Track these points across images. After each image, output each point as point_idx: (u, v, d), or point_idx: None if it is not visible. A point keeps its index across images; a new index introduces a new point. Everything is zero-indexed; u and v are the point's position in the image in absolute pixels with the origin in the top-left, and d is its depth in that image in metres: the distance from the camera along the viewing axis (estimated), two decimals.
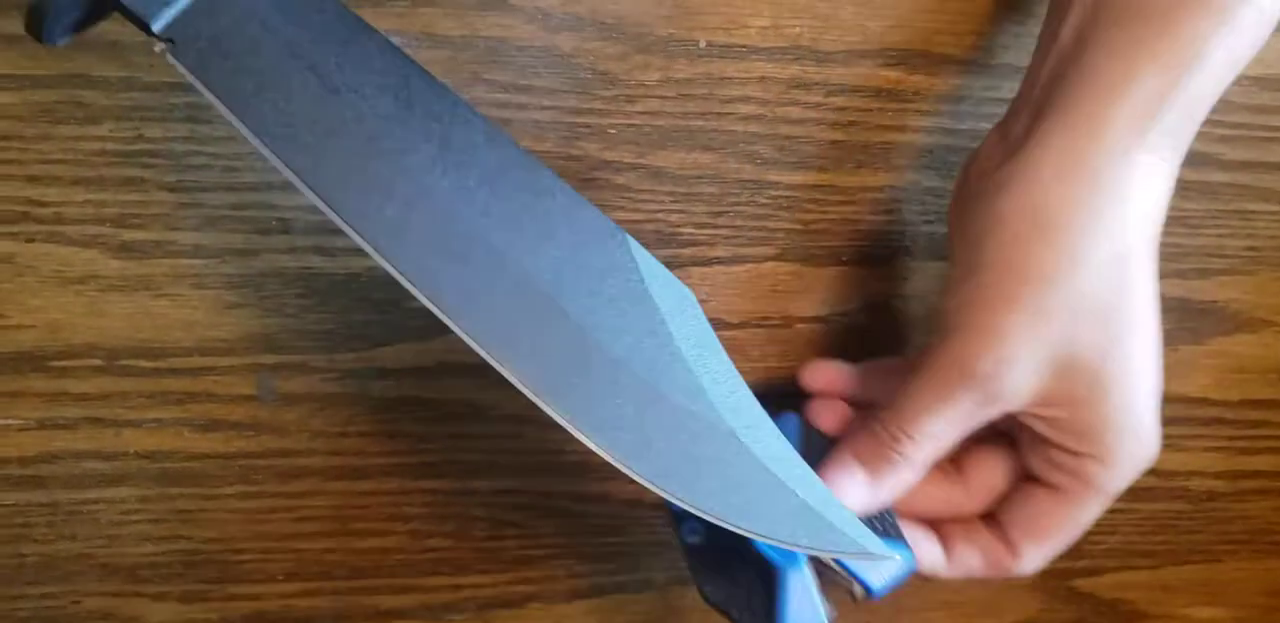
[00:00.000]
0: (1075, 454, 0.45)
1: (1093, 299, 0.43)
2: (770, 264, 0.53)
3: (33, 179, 0.46)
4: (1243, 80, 0.55)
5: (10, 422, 0.49)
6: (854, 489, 0.46)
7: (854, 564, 0.46)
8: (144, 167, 0.47)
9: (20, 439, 0.49)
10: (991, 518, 0.49)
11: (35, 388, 0.49)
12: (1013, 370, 0.43)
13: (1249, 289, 0.61)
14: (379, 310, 0.51)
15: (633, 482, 0.56)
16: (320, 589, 0.54)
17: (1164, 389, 0.60)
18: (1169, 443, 0.61)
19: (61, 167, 0.46)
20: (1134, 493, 0.61)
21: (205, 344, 0.50)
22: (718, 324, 0.55)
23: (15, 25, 0.43)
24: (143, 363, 0.49)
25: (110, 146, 0.46)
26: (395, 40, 0.47)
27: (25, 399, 0.49)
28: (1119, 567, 0.65)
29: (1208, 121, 0.55)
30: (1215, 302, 0.62)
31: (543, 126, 0.50)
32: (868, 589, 0.47)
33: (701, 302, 0.53)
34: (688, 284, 0.53)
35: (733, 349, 0.54)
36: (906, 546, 0.47)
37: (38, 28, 0.40)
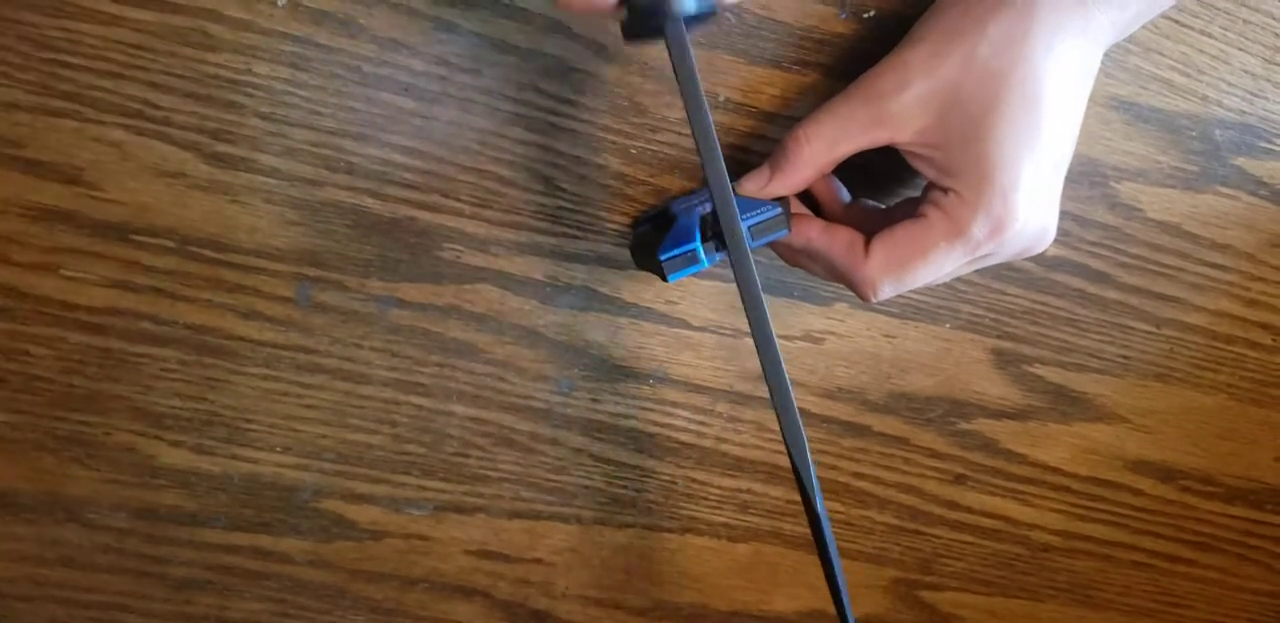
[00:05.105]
0: (944, 190, 0.43)
1: (986, 61, 0.41)
2: (734, 285, 0.49)
3: (153, 85, 0.46)
4: (1148, 222, 0.52)
5: (89, 276, 0.47)
6: (757, 177, 0.46)
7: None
8: (246, 95, 0.46)
9: (93, 292, 0.48)
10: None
11: (115, 253, 0.48)
12: (904, 95, 0.42)
13: (1116, 389, 0.59)
14: (410, 252, 0.49)
15: (584, 434, 0.53)
16: (308, 466, 0.52)
17: (1026, 456, 0.57)
18: (1019, 498, 0.58)
19: (179, 80, 0.46)
20: (983, 532, 0.59)
21: (262, 248, 0.48)
22: (682, 324, 0.52)
23: None
24: (208, 252, 0.48)
25: (223, 73, 0.46)
26: (474, 41, 0.44)
27: (105, 261, 0.48)
28: (959, 588, 0.62)
29: (1112, 248, 0.52)
30: (1086, 393, 0.59)
31: (578, 135, 0.48)
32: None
33: (673, 304, 0.50)
34: (669, 291, 0.50)
35: (690, 347, 0.51)
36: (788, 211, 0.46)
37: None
